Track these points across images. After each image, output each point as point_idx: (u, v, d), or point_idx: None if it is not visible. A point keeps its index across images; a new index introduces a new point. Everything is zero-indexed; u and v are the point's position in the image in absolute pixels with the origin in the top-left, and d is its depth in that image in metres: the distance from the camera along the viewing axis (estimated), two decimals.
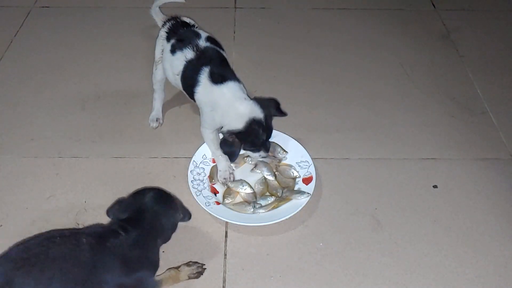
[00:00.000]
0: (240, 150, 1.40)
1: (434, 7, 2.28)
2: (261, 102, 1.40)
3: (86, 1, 2.23)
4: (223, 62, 1.47)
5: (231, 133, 1.36)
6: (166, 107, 1.70)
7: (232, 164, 1.48)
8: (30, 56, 1.93)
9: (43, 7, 2.19)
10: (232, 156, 1.40)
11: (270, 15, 2.21)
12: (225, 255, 1.31)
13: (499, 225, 1.40)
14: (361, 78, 1.85)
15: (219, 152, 1.46)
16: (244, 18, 2.18)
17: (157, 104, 1.68)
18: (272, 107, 1.42)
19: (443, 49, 2.03)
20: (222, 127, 1.40)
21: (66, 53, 1.96)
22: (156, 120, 1.67)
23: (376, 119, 1.71)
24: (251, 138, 1.38)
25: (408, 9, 2.27)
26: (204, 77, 1.40)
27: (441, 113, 1.74)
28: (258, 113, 1.37)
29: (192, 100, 1.49)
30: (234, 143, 1.37)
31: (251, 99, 1.40)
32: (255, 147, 1.41)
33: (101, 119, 1.68)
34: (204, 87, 1.40)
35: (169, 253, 1.31)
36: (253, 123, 1.36)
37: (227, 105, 1.37)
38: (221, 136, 1.43)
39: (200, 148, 1.52)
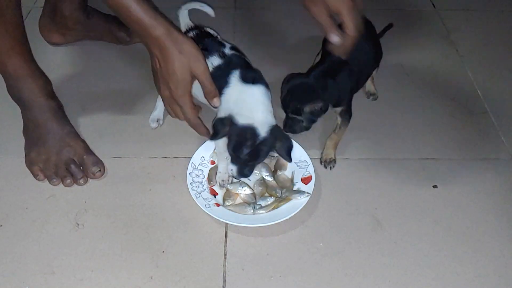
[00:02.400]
0: (223, 136, 1.33)
1: (434, 7, 2.28)
2: (276, 131, 1.32)
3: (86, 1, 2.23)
4: (251, 67, 1.43)
5: (231, 121, 1.30)
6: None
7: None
8: None
9: (43, 7, 2.18)
10: (215, 134, 1.32)
11: (270, 15, 2.21)
12: (225, 255, 1.31)
13: (499, 225, 1.40)
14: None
15: (226, 154, 1.42)
16: (244, 18, 2.18)
17: (160, 105, 1.66)
18: (280, 143, 1.35)
19: (443, 49, 2.04)
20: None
21: (65, 52, 1.96)
22: (157, 121, 1.66)
23: (376, 119, 1.71)
24: (236, 140, 1.31)
25: (408, 9, 2.27)
26: (235, 78, 1.36)
27: (441, 113, 1.74)
28: (263, 131, 1.29)
29: (211, 107, 1.43)
30: (224, 128, 1.31)
31: (275, 124, 1.34)
32: (232, 154, 1.34)
33: (101, 119, 1.68)
34: (234, 87, 1.35)
35: (169, 253, 1.31)
36: (248, 131, 1.29)
37: (251, 103, 1.32)
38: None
39: (198, 149, 1.52)
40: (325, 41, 1.63)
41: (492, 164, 1.57)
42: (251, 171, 1.38)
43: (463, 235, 1.37)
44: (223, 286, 1.25)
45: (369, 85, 1.78)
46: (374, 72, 1.74)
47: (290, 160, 1.39)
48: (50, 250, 1.31)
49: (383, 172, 1.54)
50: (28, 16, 2.13)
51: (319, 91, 1.42)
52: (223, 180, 1.45)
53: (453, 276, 1.28)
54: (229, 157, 1.39)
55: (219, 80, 1.39)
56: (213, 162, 1.51)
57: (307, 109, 1.41)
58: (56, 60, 1.92)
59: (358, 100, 1.77)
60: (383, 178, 1.52)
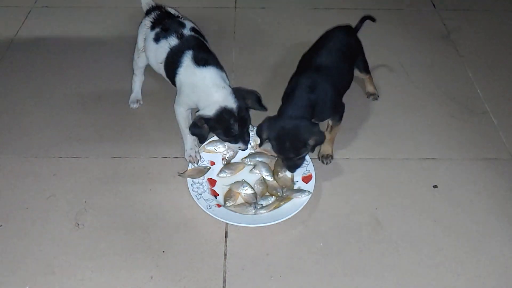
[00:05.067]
0: (208, 135, 1.41)
1: (434, 7, 2.28)
2: (239, 92, 1.41)
3: (86, 1, 2.24)
4: (206, 49, 1.49)
5: (201, 118, 1.38)
6: (167, 106, 1.70)
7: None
8: (30, 56, 1.93)
9: (43, 7, 2.19)
10: (200, 138, 1.43)
11: (270, 15, 2.21)
12: (225, 255, 1.31)
13: (499, 225, 1.40)
14: (361, 78, 1.85)
15: (188, 131, 1.48)
16: (244, 18, 2.18)
17: (137, 86, 1.72)
18: (250, 99, 1.41)
19: (443, 49, 2.03)
20: (198, 110, 1.41)
21: (66, 53, 1.96)
22: (137, 102, 1.71)
23: (376, 119, 1.71)
24: (222, 127, 1.39)
25: (408, 9, 2.27)
26: (187, 59, 1.42)
27: (441, 113, 1.74)
28: (231, 103, 1.38)
29: (174, 86, 1.51)
30: (202, 128, 1.39)
31: (231, 88, 1.41)
32: (228, 137, 1.42)
33: (101, 119, 1.68)
34: (186, 68, 1.42)
35: (169, 253, 1.31)
36: (223, 112, 1.37)
37: (204, 90, 1.39)
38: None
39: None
40: (303, 56, 1.60)
41: (492, 164, 1.57)
42: (248, 134, 1.46)
43: (463, 235, 1.37)
44: (223, 286, 1.25)
45: (368, 85, 1.78)
46: (366, 77, 1.75)
47: (265, 108, 1.45)
48: (50, 250, 1.31)
49: (383, 172, 1.54)
50: (28, 16, 2.13)
51: (309, 121, 1.38)
52: (190, 156, 1.49)
53: (453, 276, 1.28)
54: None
55: (175, 60, 1.45)
56: (212, 163, 1.51)
57: (311, 142, 1.37)
58: (56, 60, 1.92)
59: (359, 100, 1.78)
60: (383, 178, 1.52)
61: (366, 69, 1.72)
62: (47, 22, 2.11)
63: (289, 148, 1.37)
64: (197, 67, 1.40)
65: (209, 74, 1.39)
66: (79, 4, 2.22)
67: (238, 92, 1.40)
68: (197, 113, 1.40)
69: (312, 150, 1.40)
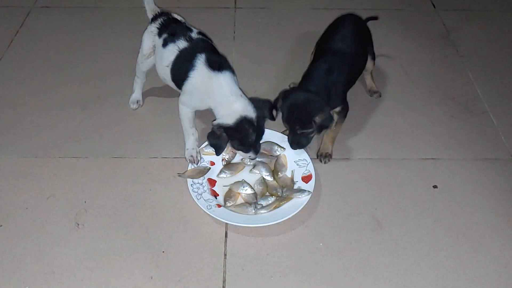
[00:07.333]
0: (226, 145, 1.40)
1: (434, 7, 2.28)
2: (256, 102, 1.41)
3: (86, 1, 2.24)
4: (217, 51, 1.48)
5: (220, 126, 1.37)
6: (167, 107, 1.70)
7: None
8: (30, 56, 1.93)
9: (43, 7, 2.19)
10: (217, 148, 1.40)
11: (270, 15, 2.21)
12: (225, 255, 1.31)
13: (499, 225, 1.40)
14: (361, 78, 1.85)
15: (192, 131, 1.49)
16: (244, 18, 2.18)
17: (138, 87, 1.72)
18: (266, 109, 1.42)
19: (443, 49, 2.04)
20: (215, 119, 1.40)
21: (66, 53, 1.96)
22: (137, 102, 1.71)
23: (376, 119, 1.71)
24: (240, 136, 1.38)
25: (408, 9, 2.27)
26: (200, 62, 1.40)
27: (441, 113, 1.74)
28: (251, 113, 1.38)
29: (178, 90, 1.50)
30: (221, 137, 1.37)
31: (248, 98, 1.41)
32: (243, 146, 1.41)
33: (101, 119, 1.68)
34: (200, 72, 1.40)
35: (169, 253, 1.31)
36: (244, 121, 1.36)
37: (222, 97, 1.38)
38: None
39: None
40: (319, 42, 1.64)
41: (492, 164, 1.57)
42: (260, 145, 1.45)
43: (463, 235, 1.37)
44: (223, 286, 1.25)
45: (370, 83, 1.78)
46: (372, 67, 1.75)
47: (273, 118, 1.45)
48: (50, 250, 1.31)
49: (383, 172, 1.54)
50: (28, 16, 2.13)
51: (323, 100, 1.41)
52: (191, 156, 1.49)
53: (453, 276, 1.28)
54: (196, 133, 1.49)
55: (185, 63, 1.44)
56: (212, 163, 1.51)
57: (318, 119, 1.39)
58: (56, 60, 1.92)
59: (358, 100, 1.77)
60: (383, 178, 1.52)
61: (373, 55, 1.73)
62: (47, 22, 2.11)
63: (295, 120, 1.40)
64: (212, 72, 1.39)
65: (225, 81, 1.38)
66: (79, 4, 2.22)
67: (254, 102, 1.40)
68: (214, 122, 1.38)
69: (318, 131, 1.42)
